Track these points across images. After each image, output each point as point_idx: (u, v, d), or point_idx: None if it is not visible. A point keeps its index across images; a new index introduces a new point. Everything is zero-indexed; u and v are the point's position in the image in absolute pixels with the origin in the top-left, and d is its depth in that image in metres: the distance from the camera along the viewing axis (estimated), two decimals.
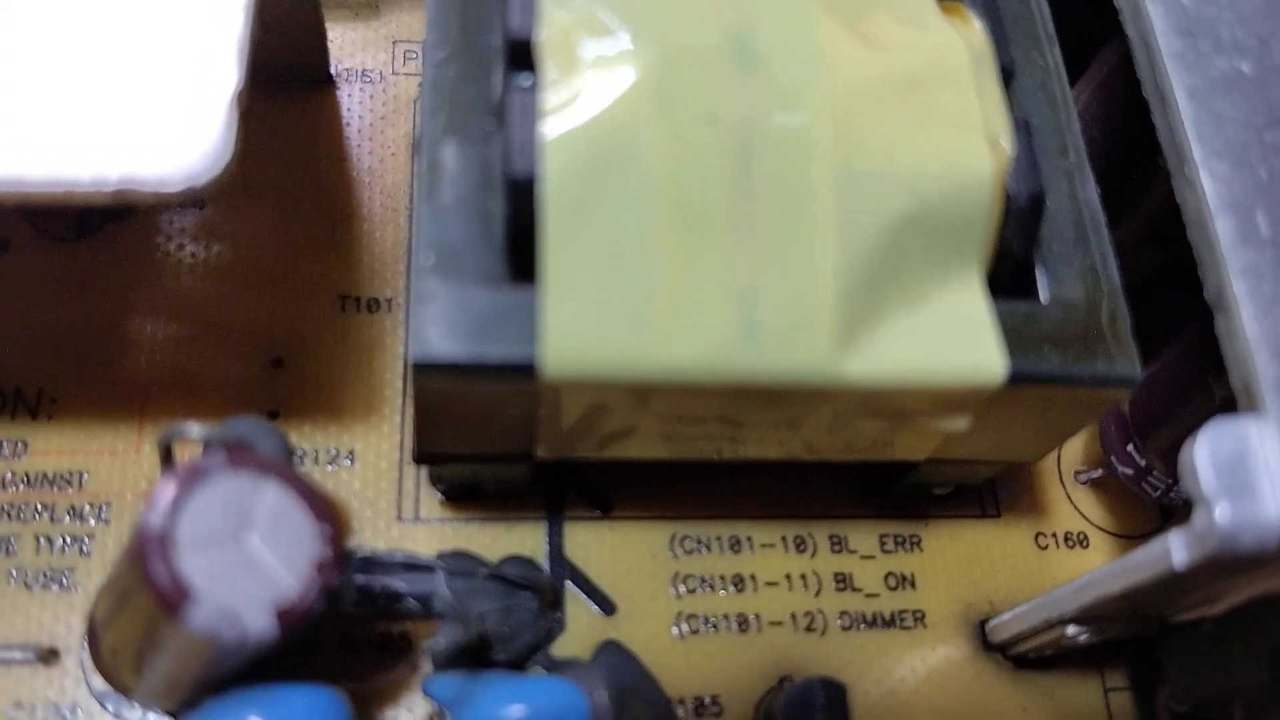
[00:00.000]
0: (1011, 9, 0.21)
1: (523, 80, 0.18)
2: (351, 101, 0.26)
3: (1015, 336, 0.18)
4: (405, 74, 0.26)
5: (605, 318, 0.17)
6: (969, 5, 0.20)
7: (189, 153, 0.16)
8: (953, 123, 0.18)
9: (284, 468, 0.16)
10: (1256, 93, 0.19)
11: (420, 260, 0.17)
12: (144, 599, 0.15)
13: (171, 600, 0.15)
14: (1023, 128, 0.19)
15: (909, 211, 0.18)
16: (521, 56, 0.18)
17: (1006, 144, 0.19)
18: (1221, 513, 0.16)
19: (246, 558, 0.15)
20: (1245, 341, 0.17)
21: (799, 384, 0.17)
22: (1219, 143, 0.19)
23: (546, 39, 0.18)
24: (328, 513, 0.16)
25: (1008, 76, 0.20)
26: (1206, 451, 0.16)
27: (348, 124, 0.25)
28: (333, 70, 0.26)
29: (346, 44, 0.26)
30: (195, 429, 0.17)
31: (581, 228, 0.17)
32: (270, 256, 0.23)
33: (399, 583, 0.19)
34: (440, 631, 0.19)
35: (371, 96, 0.26)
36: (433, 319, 0.17)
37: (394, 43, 0.27)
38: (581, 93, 0.17)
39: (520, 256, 0.17)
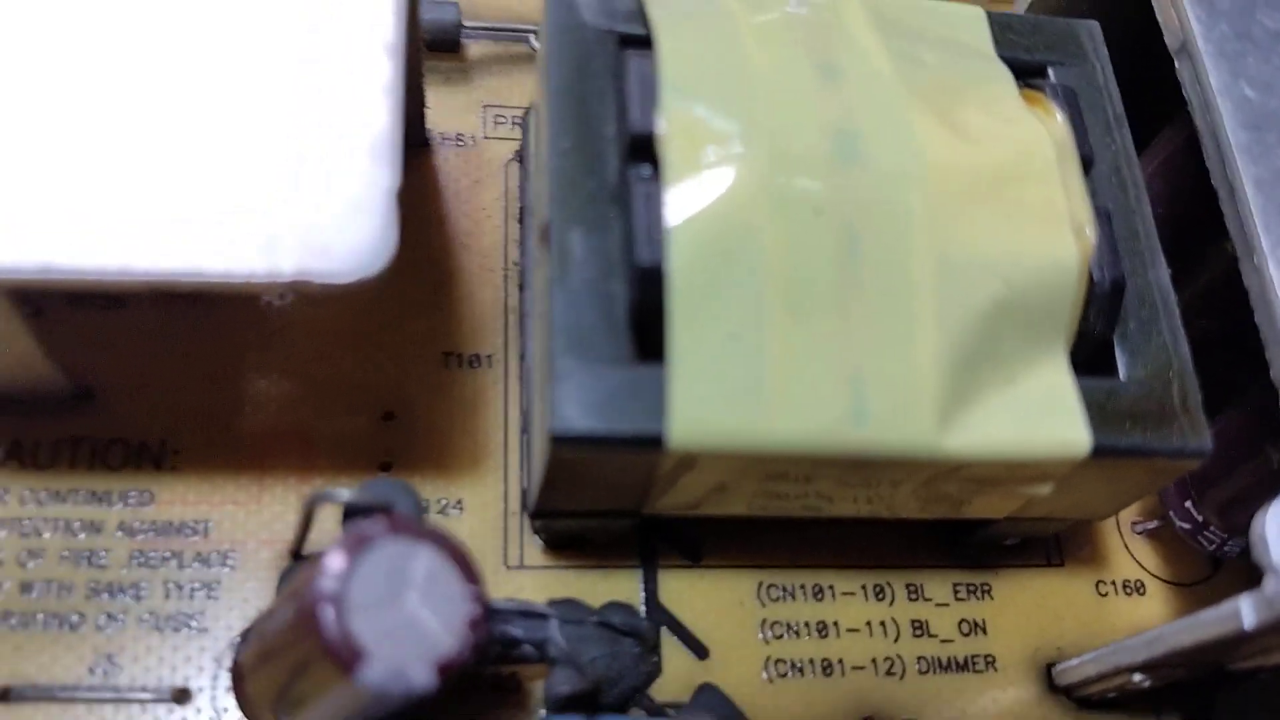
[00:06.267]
0: (1085, 94, 0.23)
1: (642, 171, 0.19)
2: (446, 165, 0.27)
3: (1098, 412, 0.20)
4: (496, 138, 0.28)
5: (726, 395, 0.18)
6: (1050, 96, 0.22)
7: (357, 247, 0.17)
8: (1040, 213, 0.20)
9: (436, 532, 0.18)
10: None
11: (555, 343, 0.18)
12: (313, 657, 0.17)
13: (346, 661, 0.16)
14: (1104, 216, 0.20)
15: (1002, 297, 0.19)
16: (640, 149, 0.20)
17: (1090, 232, 0.20)
18: None
19: (408, 617, 0.17)
20: None
21: (903, 459, 0.19)
22: None
23: (668, 135, 0.19)
24: (474, 573, 0.18)
25: (1087, 165, 0.21)
26: (1277, 524, 0.18)
27: (444, 187, 0.27)
28: (428, 134, 0.27)
29: (440, 109, 0.28)
30: (344, 493, 0.19)
31: (703, 312, 0.18)
32: (378, 315, 0.25)
33: (516, 630, 0.21)
34: (555, 677, 0.21)
35: (465, 160, 0.27)
36: (568, 396, 0.18)
37: (484, 107, 0.28)
38: (700, 187, 0.19)
39: (642, 337, 0.19)
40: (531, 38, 0.29)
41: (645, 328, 0.19)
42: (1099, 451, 0.19)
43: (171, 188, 0.17)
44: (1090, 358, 0.20)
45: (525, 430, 0.24)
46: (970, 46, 0.23)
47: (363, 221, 0.17)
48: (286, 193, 0.17)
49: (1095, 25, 0.24)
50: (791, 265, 0.19)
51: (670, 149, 0.19)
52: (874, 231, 0.19)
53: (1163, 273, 0.21)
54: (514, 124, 0.28)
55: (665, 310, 0.18)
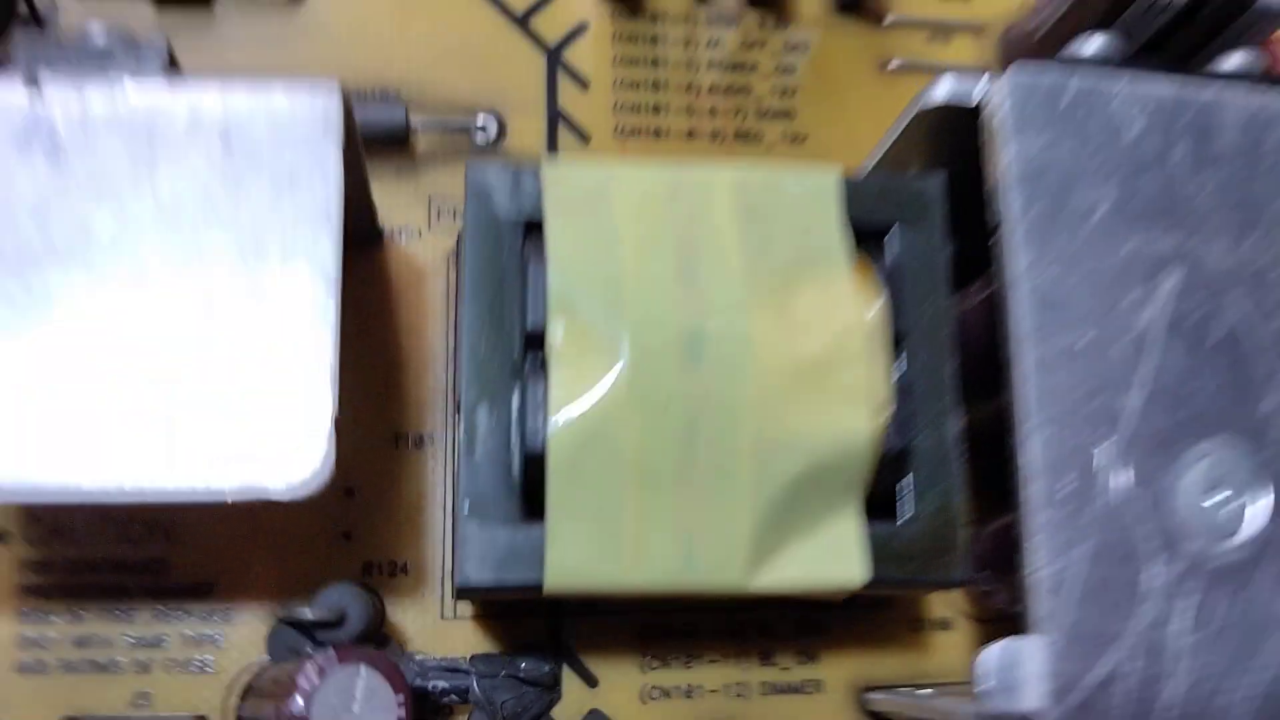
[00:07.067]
0: (919, 253, 0.26)
1: (537, 359, 0.25)
2: (397, 257, 0.32)
3: (881, 549, 0.25)
4: (441, 229, 0.32)
5: (589, 551, 0.24)
6: (877, 270, 0.27)
7: (295, 471, 0.22)
8: (846, 395, 0.25)
9: (373, 654, 0.24)
10: (1087, 365, 0.25)
11: (461, 508, 0.24)
12: None
13: None
14: (904, 390, 0.26)
15: (807, 468, 0.25)
16: (534, 342, 0.25)
17: (885, 410, 0.25)
18: (995, 705, 0.24)
19: None
20: (1036, 578, 0.24)
21: (722, 594, 0.25)
22: (1054, 410, 0.25)
23: (551, 337, 0.24)
24: (401, 683, 0.24)
25: (901, 338, 0.26)
26: (995, 659, 0.24)
27: (395, 278, 0.32)
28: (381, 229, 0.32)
29: (390, 203, 0.32)
30: (306, 611, 0.25)
31: (573, 487, 0.24)
32: (341, 404, 0.30)
33: (443, 683, 0.28)
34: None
35: (413, 252, 0.32)
36: (470, 555, 0.24)
37: (430, 198, 0.32)
38: (577, 386, 0.24)
39: (530, 502, 0.25)
40: (475, 128, 0.33)
41: (532, 493, 0.25)
42: (874, 583, 0.25)
43: (125, 415, 0.22)
44: (882, 504, 0.26)
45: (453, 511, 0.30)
46: (819, 219, 0.27)
47: (300, 448, 0.23)
48: (231, 420, 0.22)
49: (938, 180, 0.28)
50: (644, 450, 0.24)
51: (551, 351, 0.24)
52: (709, 421, 0.25)
53: (954, 429, 0.26)
54: (455, 216, 0.32)
55: (545, 485, 0.24)
